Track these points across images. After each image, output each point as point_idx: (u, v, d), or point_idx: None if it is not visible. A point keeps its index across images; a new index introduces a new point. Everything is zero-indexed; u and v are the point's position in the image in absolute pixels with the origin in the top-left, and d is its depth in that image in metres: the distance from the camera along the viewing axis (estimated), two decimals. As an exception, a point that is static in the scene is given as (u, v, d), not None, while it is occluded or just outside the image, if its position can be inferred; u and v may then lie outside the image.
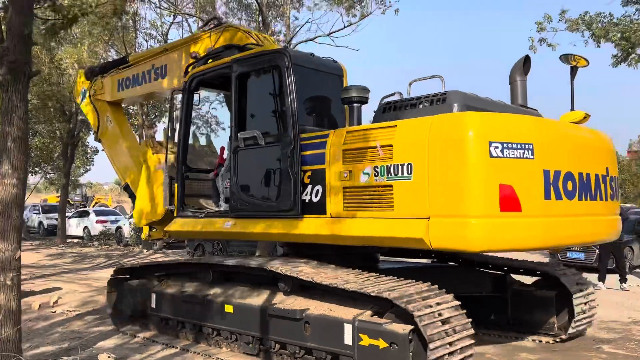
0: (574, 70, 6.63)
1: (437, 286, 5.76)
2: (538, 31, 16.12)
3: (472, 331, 5.51)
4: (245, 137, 6.95)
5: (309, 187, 6.37)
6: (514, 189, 5.17)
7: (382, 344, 5.39)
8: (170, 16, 25.20)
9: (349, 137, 6.11)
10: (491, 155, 5.15)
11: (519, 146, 5.25)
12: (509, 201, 5.15)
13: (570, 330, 7.24)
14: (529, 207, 5.26)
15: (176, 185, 7.95)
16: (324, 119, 7.18)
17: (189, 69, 7.94)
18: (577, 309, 7.20)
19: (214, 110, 24.60)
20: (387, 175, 5.67)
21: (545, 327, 7.51)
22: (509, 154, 5.20)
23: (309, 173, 6.39)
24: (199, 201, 8.08)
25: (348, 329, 5.69)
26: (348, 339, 5.68)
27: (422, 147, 5.43)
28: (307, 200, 6.38)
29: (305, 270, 6.21)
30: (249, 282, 7.08)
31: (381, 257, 8.09)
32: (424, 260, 8.49)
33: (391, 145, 5.67)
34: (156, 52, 9.60)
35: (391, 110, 6.37)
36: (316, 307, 6.15)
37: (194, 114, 8.75)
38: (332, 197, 6.14)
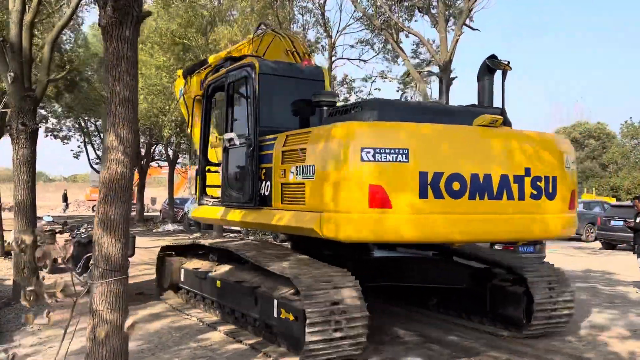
0: (504, 74, 6.72)
1: (346, 271, 6.44)
2: None
3: (366, 317, 6.09)
4: (227, 138, 8.18)
5: (264, 182, 7.41)
6: (384, 189, 5.73)
7: (291, 317, 6.32)
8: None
9: (287, 140, 7.02)
10: (362, 160, 5.76)
11: (392, 151, 5.77)
12: (378, 199, 5.72)
13: (530, 328, 7.34)
14: (401, 205, 5.77)
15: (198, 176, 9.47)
16: (303, 121, 8.08)
17: (208, 77, 9.33)
18: (536, 308, 7.26)
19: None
20: (302, 174, 6.51)
21: (516, 322, 7.63)
22: (380, 158, 5.76)
23: (264, 170, 7.42)
24: (216, 191, 9.49)
25: (275, 304, 6.70)
26: (275, 312, 6.68)
27: (319, 151, 6.21)
28: (262, 194, 7.43)
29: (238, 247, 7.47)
30: (239, 262, 8.29)
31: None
32: (423, 252, 8.94)
33: (305, 149, 6.50)
34: (225, 54, 11.17)
35: (334, 115, 7.13)
36: (265, 284, 7.19)
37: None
38: (274, 192, 7.12)
